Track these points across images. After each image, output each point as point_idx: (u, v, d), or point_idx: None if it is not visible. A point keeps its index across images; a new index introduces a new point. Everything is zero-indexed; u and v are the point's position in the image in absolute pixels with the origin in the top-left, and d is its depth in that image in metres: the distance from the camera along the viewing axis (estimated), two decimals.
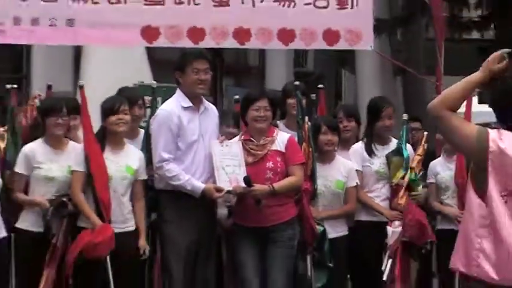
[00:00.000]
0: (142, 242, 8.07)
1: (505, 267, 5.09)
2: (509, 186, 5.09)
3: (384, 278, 8.40)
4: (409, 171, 8.45)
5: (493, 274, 5.08)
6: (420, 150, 8.64)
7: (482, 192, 5.07)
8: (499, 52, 5.10)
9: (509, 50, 5.22)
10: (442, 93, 5.27)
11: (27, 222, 7.99)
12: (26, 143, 8.30)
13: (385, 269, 8.38)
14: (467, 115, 8.88)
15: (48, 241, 7.79)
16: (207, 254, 8.26)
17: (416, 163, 8.48)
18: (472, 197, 5.15)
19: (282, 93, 9.52)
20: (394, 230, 8.35)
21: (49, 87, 9.71)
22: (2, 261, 7.97)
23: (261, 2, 10.41)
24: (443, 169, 9.13)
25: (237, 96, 9.56)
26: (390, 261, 8.36)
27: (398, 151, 8.63)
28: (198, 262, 8.22)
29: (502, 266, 5.09)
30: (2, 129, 8.59)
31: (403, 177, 8.45)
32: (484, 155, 5.09)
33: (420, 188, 8.67)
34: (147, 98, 9.34)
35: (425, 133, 9.19)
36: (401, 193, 8.39)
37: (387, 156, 8.69)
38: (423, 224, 8.41)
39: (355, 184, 8.65)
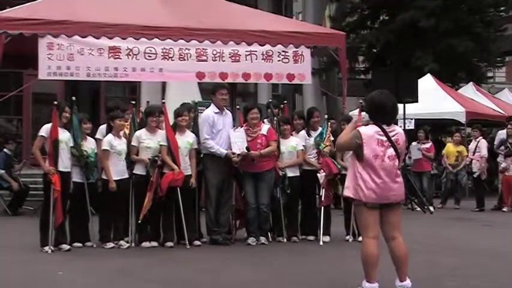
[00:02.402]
0: (193, 180, 10.19)
1: (369, 193, 6.61)
2: (375, 152, 6.64)
3: (322, 198, 10.42)
4: (323, 144, 10.58)
5: (363, 197, 6.64)
6: (329, 133, 10.71)
7: (361, 156, 6.64)
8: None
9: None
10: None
11: (138, 170, 10.11)
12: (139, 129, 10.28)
13: (321, 194, 10.51)
14: (359, 117, 10.14)
15: (148, 179, 9.94)
16: (228, 186, 10.49)
17: (327, 139, 10.60)
18: (355, 160, 6.72)
19: (266, 106, 11.89)
20: (321, 175, 10.43)
21: (148, 102, 11.52)
22: (126, 189, 9.99)
23: (256, 59, 13.03)
24: None
25: (238, 107, 11.74)
26: (322, 190, 10.44)
27: (321, 134, 10.69)
28: (223, 190, 10.42)
29: (369, 193, 6.61)
30: (127, 123, 10.37)
31: (322, 147, 10.58)
32: (360, 142, 6.62)
33: (327, 149, 10.49)
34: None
35: (334, 125, 11.41)
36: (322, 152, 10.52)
37: (315, 137, 10.74)
38: (329, 164, 10.42)
39: (302, 148, 10.66)
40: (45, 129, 9.79)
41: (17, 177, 15.13)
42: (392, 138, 6.72)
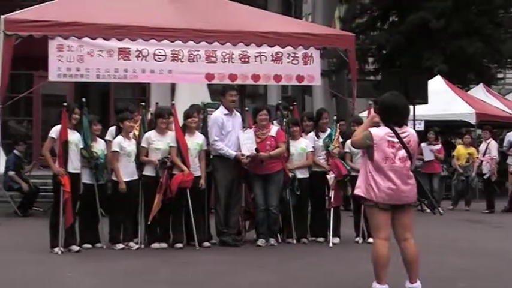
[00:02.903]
0: (203, 181, 10.20)
1: (381, 194, 6.63)
2: (385, 154, 6.63)
3: (332, 199, 10.45)
4: (331, 145, 10.56)
5: (374, 197, 6.66)
6: (338, 134, 10.72)
7: (371, 158, 6.69)
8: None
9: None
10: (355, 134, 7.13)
11: (148, 171, 10.16)
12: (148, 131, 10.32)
13: (330, 195, 10.52)
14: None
15: (158, 180, 9.98)
16: (237, 187, 10.57)
17: (336, 140, 10.62)
18: (367, 160, 6.75)
19: (275, 107, 12.04)
20: (330, 176, 10.46)
21: (157, 104, 11.37)
22: (135, 190, 10.11)
23: (265, 61, 13.08)
24: None
25: (246, 108, 11.69)
26: (332, 191, 10.46)
27: (330, 135, 10.71)
28: (232, 191, 10.49)
29: (380, 193, 6.64)
30: (136, 125, 10.38)
31: (332, 149, 10.57)
32: (371, 143, 6.65)
33: (336, 150, 10.52)
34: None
35: (343, 126, 11.46)
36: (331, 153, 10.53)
37: (324, 139, 10.76)
38: (338, 165, 10.46)
39: (311, 150, 10.71)
40: (54, 131, 9.79)
41: (27, 179, 15.15)
42: (404, 140, 6.68)
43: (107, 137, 10.55)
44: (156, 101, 11.82)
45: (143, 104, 11.14)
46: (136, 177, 10.23)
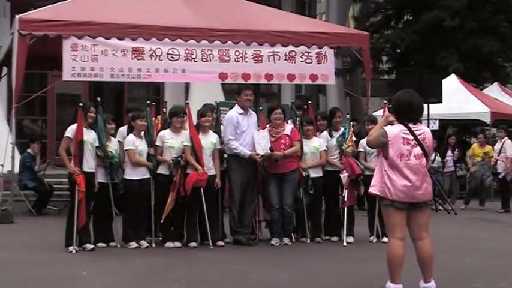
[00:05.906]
0: (218, 180, 10.24)
1: (396, 192, 6.63)
2: (400, 151, 6.66)
3: (345, 199, 10.48)
4: (345, 144, 10.56)
5: (390, 195, 6.66)
6: (351, 133, 10.72)
7: (386, 155, 6.74)
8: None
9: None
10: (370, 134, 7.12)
11: (162, 169, 10.18)
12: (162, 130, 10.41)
13: (343, 195, 10.52)
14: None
15: (171, 179, 10.04)
16: (252, 186, 10.55)
17: (350, 139, 10.63)
18: (383, 158, 6.79)
19: (289, 107, 11.73)
20: (344, 175, 10.50)
21: (165, 103, 11.45)
22: (147, 189, 10.14)
23: (278, 60, 13.10)
24: None
25: (261, 108, 11.50)
26: (345, 190, 10.48)
27: (343, 134, 10.74)
28: (247, 190, 10.48)
29: (395, 191, 6.63)
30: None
31: (345, 148, 10.57)
32: (386, 140, 6.71)
33: (349, 149, 10.51)
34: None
35: (355, 126, 11.45)
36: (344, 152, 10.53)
37: (337, 138, 10.78)
38: (352, 164, 10.44)
39: (325, 149, 10.72)
40: (70, 130, 9.81)
41: (42, 178, 15.17)
42: (419, 137, 6.70)
43: (117, 138, 10.56)
44: (171, 100, 12.11)
45: (153, 103, 11.05)
46: (147, 175, 10.24)
